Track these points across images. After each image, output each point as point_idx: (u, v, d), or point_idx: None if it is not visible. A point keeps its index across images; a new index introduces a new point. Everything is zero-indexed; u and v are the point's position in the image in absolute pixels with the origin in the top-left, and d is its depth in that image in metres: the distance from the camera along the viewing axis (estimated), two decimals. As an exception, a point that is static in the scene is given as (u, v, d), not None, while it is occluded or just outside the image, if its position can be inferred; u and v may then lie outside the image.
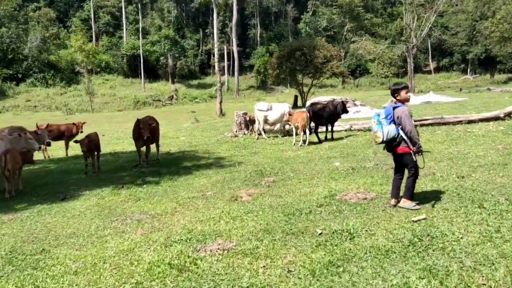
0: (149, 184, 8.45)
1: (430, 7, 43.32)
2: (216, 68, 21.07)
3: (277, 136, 15.14)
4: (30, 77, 58.21)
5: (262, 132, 14.87)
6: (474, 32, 58.77)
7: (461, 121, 14.57)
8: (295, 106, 26.72)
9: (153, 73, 67.47)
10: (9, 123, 32.87)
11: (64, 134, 14.40)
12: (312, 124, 13.31)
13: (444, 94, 30.25)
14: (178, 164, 10.66)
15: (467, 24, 60.05)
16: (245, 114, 15.72)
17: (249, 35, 77.75)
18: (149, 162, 10.65)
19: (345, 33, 65.30)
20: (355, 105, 21.06)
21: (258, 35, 75.62)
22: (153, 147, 11.39)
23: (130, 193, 7.74)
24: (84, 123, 14.64)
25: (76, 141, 10.14)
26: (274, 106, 15.01)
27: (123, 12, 72.06)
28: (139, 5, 75.82)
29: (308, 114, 12.64)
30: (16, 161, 8.29)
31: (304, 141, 12.72)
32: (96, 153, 10.37)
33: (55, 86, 57.78)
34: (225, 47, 68.51)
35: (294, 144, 12.84)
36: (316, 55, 28.42)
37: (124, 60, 67.40)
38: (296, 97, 27.30)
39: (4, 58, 57.62)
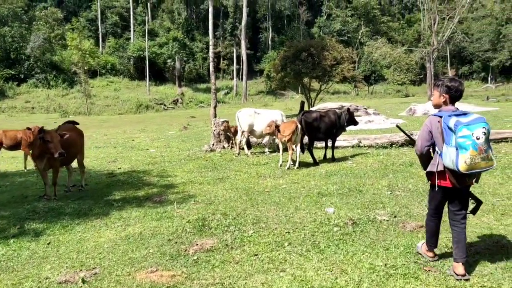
0: (21, 238, 5.20)
1: (453, 8, 39.66)
2: (211, 68, 18.15)
3: (264, 152, 11.79)
4: (32, 77, 56.12)
5: (245, 147, 11.54)
6: (499, 37, 54.69)
7: (506, 138, 11.09)
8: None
9: (160, 76, 65.16)
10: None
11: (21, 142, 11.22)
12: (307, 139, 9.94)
13: (469, 103, 26.59)
14: (105, 196, 7.39)
15: (491, 29, 56.12)
16: (226, 122, 12.40)
17: (260, 38, 74.75)
18: (56, 193, 7.32)
19: (360, 37, 61.74)
20: (367, 113, 17.61)
21: (270, 38, 72.59)
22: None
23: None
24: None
25: None
26: (263, 113, 11.68)
27: (131, 13, 69.79)
28: (148, 6, 73.70)
29: (300, 126, 9.26)
30: None
31: (293, 162, 9.37)
32: None
33: (57, 88, 55.68)
34: (234, 50, 65.77)
35: (280, 165, 9.49)
36: (325, 57, 24.99)
37: (131, 62, 65.11)
38: (302, 103, 23.97)
39: (7, 58, 55.61)
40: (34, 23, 61.00)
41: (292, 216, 5.51)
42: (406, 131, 5.06)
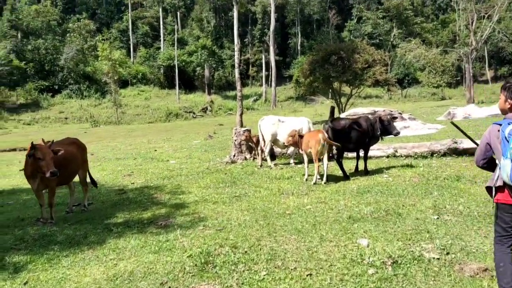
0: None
1: (491, 6, 37.47)
2: (236, 75, 17.25)
3: (289, 164, 10.78)
4: (65, 88, 57.21)
5: (268, 158, 10.58)
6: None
7: None
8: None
9: (190, 84, 65.34)
10: (29, 135, 31.00)
11: None
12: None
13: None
14: (106, 218, 6.59)
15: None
16: (248, 131, 11.48)
17: (289, 44, 73.74)
18: (53, 215, 6.49)
19: (392, 39, 59.72)
20: (402, 118, 16.28)
21: (299, 44, 71.50)
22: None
23: None
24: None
25: None
26: (287, 121, 10.69)
27: (161, 23, 70.47)
28: (177, 15, 74.33)
29: (326, 135, 8.20)
30: None
31: (320, 176, 8.32)
32: None
33: (90, 98, 56.54)
34: (263, 57, 65.15)
35: (306, 180, 8.46)
36: (355, 60, 23.73)
37: (161, 71, 65.64)
38: (332, 108, 22.73)
39: (41, 69, 56.99)
40: (67, 35, 62.38)
41: (316, 250, 4.50)
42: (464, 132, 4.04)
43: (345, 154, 9.38)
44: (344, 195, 7.06)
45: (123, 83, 58.90)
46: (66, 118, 49.74)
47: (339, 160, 8.65)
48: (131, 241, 5.31)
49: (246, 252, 4.55)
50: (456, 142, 10.08)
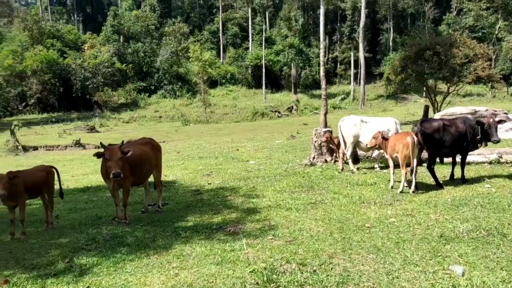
0: (62, 277, 4.43)
1: None
2: (321, 73, 16.61)
3: (373, 168, 9.95)
4: (160, 89, 60.57)
5: (350, 162, 9.85)
6: None
7: None
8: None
9: (276, 83, 65.68)
10: (127, 132, 33.31)
11: None
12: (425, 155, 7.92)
13: None
14: (177, 221, 6.47)
15: None
16: (329, 132, 10.84)
17: (380, 40, 70.54)
18: (127, 215, 6.52)
19: (497, 33, 54.21)
20: (508, 119, 14.36)
21: (391, 40, 68.08)
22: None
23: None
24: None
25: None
26: (371, 122, 9.87)
27: (250, 23, 71.65)
28: (266, 15, 75.11)
29: (416, 138, 7.31)
30: None
31: (408, 183, 7.46)
32: (46, 197, 6.45)
33: (182, 98, 59.25)
34: (351, 54, 63.25)
35: (391, 187, 7.66)
36: (453, 55, 21.66)
37: (249, 70, 66.79)
38: (426, 107, 21.16)
39: (140, 71, 61.03)
40: (163, 38, 66.04)
41: (397, 276, 3.84)
42: None
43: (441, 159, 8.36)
44: (435, 207, 6.18)
45: (213, 83, 60.90)
46: (160, 117, 52.56)
47: (430, 166, 7.70)
48: (197, 248, 5.07)
49: (315, 271, 4.04)
50: None
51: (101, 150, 6.12)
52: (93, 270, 4.60)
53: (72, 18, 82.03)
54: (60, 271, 4.60)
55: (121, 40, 63.49)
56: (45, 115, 49.89)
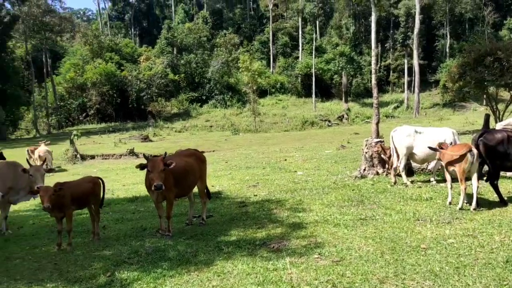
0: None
1: None
2: (373, 81, 16.17)
3: (429, 182, 9.32)
4: (211, 99, 61.72)
5: (403, 174, 9.30)
6: None
7: None
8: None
9: (326, 92, 65.02)
10: (178, 142, 34.11)
11: None
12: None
13: None
14: (220, 234, 6.31)
15: None
16: (380, 143, 10.34)
17: (436, 47, 67.87)
18: (171, 228, 6.43)
19: None
20: None
21: (447, 46, 65.29)
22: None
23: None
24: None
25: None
26: (426, 132, 9.29)
27: (300, 32, 71.54)
28: (316, 23, 74.75)
29: (476, 151, 6.73)
30: None
31: (469, 199, 6.87)
32: (93, 208, 6.53)
33: (232, 107, 59.97)
34: (405, 61, 61.31)
35: (449, 203, 7.09)
36: (517, 60, 20.31)
37: (298, 79, 66.60)
38: (487, 116, 19.94)
39: (192, 82, 62.58)
40: (215, 49, 67.40)
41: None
42: None
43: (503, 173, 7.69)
44: (499, 227, 5.61)
45: (263, 93, 61.17)
46: (211, 126, 53.39)
47: (492, 181, 7.05)
48: (238, 265, 4.88)
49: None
50: None
51: (144, 161, 6.12)
52: (133, 286, 4.52)
53: (130, 32, 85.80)
54: (101, 285, 4.58)
55: (175, 52, 65.44)
56: (103, 125, 52.27)
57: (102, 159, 25.16)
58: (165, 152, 6.56)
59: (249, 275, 4.58)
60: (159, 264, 5.11)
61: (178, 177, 6.34)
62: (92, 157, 25.12)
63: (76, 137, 26.12)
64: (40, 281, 4.75)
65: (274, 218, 7.12)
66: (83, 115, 56.58)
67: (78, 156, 23.23)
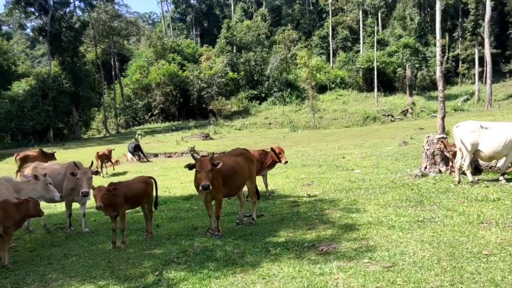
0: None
1: None
2: (438, 73, 15.28)
3: (498, 181, 8.60)
4: (270, 96, 61.87)
5: (468, 173, 8.66)
6: None
7: None
8: None
9: (389, 85, 62.76)
10: (238, 139, 34.54)
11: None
12: None
13: None
14: (269, 235, 6.22)
15: None
16: (443, 139, 9.70)
17: (510, 34, 63.07)
18: (219, 227, 6.41)
19: None
20: None
21: (523, 32, 60.45)
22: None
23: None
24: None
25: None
26: (492, 128, 8.57)
27: (361, 25, 69.58)
28: (378, 15, 72.34)
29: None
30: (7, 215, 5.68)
31: (543, 203, 6.23)
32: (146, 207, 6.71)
33: (291, 104, 59.73)
34: (476, 51, 57.54)
35: (520, 206, 6.49)
36: None
37: (359, 74, 64.88)
38: None
39: (251, 80, 63.12)
40: (273, 46, 67.40)
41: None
42: None
43: None
44: None
45: (322, 88, 60.32)
46: (270, 124, 53.52)
47: None
48: (285, 268, 4.77)
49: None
50: None
51: (193, 161, 6.18)
52: (179, 286, 4.57)
53: (191, 33, 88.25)
54: (149, 284, 4.67)
55: (234, 51, 66.28)
56: (167, 123, 54.23)
57: (165, 157, 26.07)
58: (213, 152, 6.58)
59: (294, 279, 4.45)
60: (206, 265, 5.14)
61: (227, 177, 6.34)
62: (156, 155, 26.10)
63: (140, 136, 27.27)
64: (93, 279, 4.95)
65: (325, 218, 6.91)
66: (149, 114, 59.11)
67: (142, 154, 24.20)
